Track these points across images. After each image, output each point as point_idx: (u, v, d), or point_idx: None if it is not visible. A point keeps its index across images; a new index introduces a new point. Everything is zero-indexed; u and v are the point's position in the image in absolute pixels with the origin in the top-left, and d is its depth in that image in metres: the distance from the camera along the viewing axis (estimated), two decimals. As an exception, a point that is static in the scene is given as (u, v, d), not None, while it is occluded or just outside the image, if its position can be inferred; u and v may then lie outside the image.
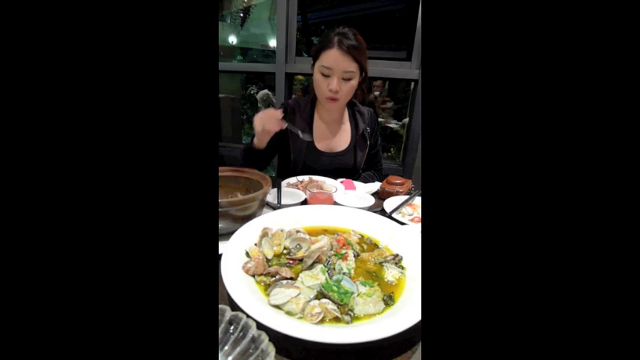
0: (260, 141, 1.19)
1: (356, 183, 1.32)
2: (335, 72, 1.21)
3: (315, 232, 0.84)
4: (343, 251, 0.74)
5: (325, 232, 0.86)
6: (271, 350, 0.46)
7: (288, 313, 0.56)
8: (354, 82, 1.26)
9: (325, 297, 0.60)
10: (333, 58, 1.19)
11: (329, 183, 1.22)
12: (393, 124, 3.78)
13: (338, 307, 0.58)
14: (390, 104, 3.92)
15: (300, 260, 0.71)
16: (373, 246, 0.81)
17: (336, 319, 0.56)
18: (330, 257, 0.71)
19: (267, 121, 1.12)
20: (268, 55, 3.80)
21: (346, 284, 0.63)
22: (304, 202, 1.06)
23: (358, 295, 0.61)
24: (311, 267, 0.68)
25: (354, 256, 0.74)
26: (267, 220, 0.83)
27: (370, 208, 1.04)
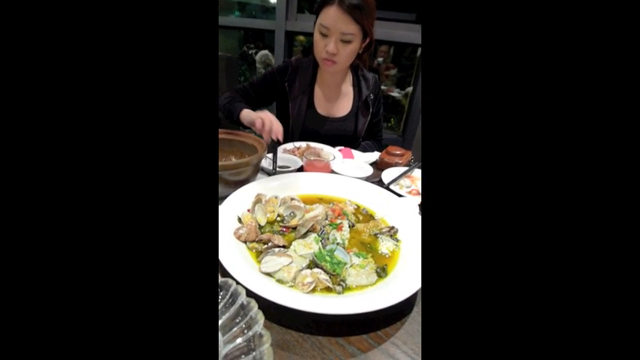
0: (246, 123, 1.09)
1: (354, 152, 1.28)
2: (333, 32, 1.10)
3: (310, 201, 0.82)
4: (338, 221, 0.72)
5: (321, 200, 0.84)
6: (260, 318, 0.45)
7: (279, 281, 0.55)
8: (354, 46, 1.16)
9: (317, 267, 0.59)
10: (332, 17, 1.08)
11: (327, 150, 1.18)
12: (396, 93, 3.65)
13: (330, 278, 0.57)
14: (393, 71, 3.76)
15: (294, 228, 0.69)
16: (369, 217, 0.80)
17: (328, 289, 0.55)
18: (324, 227, 0.70)
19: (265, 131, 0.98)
20: (268, 10, 3.56)
21: (339, 254, 0.62)
22: (300, 169, 1.03)
23: (351, 266, 0.60)
24: (304, 236, 0.66)
25: (349, 227, 0.72)
26: (261, 186, 0.81)
27: (368, 179, 1.01)
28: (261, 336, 0.43)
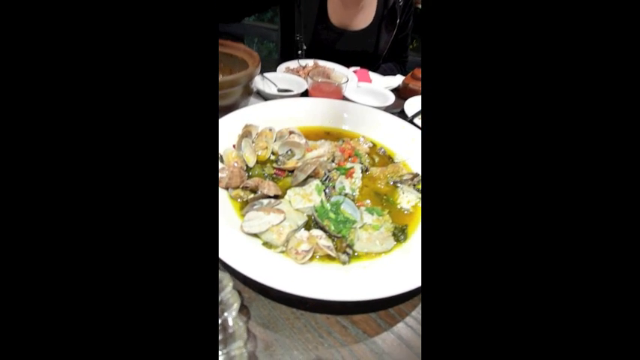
0: None
1: (372, 75, 1.06)
2: None
3: (314, 135, 0.66)
4: (348, 165, 0.57)
5: (328, 136, 0.68)
6: (234, 301, 0.34)
7: (267, 244, 0.42)
8: None
9: (318, 226, 0.45)
10: None
11: (338, 71, 0.97)
12: (424, 5, 3.10)
13: (333, 242, 0.44)
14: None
15: (291, 172, 0.55)
16: (387, 159, 0.64)
17: (330, 258, 0.42)
18: (329, 171, 0.55)
19: None
20: None
21: (347, 209, 0.48)
22: (305, 94, 0.84)
23: (362, 226, 0.46)
24: (303, 183, 0.51)
25: (362, 172, 0.57)
26: (251, 113, 0.63)
27: (387, 109, 0.82)
28: (232, 328, 0.31)
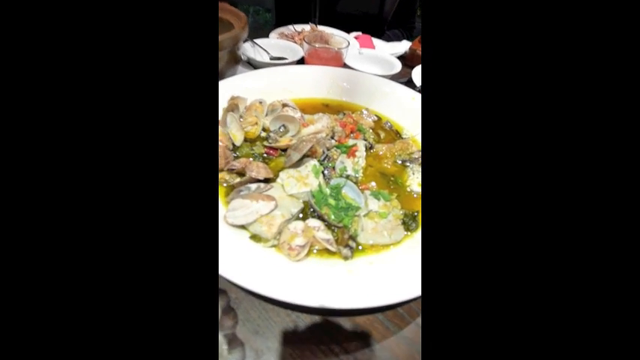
0: None
1: (375, 41, 0.98)
2: None
3: (310, 108, 0.60)
4: (350, 142, 0.50)
5: (326, 109, 0.61)
6: (214, 310, 0.28)
7: (255, 237, 0.36)
8: None
9: (315, 215, 0.39)
10: None
11: (338, 36, 0.87)
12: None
13: (334, 233, 0.37)
14: None
15: (284, 150, 0.48)
16: (394, 135, 0.57)
17: (329, 252, 0.36)
18: (329, 149, 0.48)
19: None
20: None
21: (350, 194, 0.42)
22: (301, 62, 0.76)
23: (367, 214, 0.40)
24: (298, 163, 0.45)
25: (366, 150, 0.50)
26: (239, 84, 0.56)
27: (393, 78, 0.74)
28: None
